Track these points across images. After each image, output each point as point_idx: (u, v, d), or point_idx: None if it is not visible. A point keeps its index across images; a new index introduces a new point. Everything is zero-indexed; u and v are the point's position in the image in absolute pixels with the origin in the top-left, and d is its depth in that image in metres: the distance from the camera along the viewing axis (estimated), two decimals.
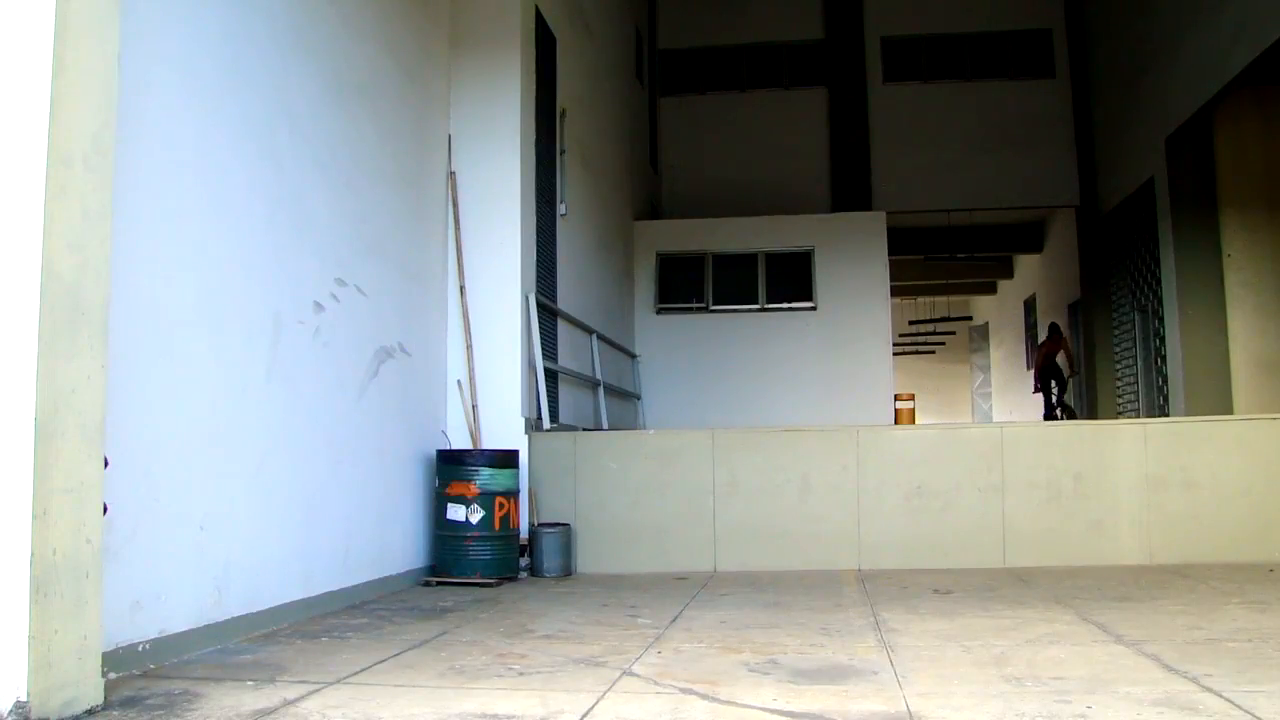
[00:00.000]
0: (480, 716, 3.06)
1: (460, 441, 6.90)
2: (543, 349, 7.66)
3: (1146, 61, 12.26)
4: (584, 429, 8.59)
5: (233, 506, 4.44)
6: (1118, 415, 13.91)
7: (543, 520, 7.01)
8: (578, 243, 9.53)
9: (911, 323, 24.13)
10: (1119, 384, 14.33)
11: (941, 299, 23.33)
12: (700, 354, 12.98)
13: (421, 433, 6.63)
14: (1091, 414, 14.83)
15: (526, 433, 7.12)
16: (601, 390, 10.00)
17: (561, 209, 8.83)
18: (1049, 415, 15.34)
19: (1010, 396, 23.34)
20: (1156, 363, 12.46)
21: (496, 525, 6.39)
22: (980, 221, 17.79)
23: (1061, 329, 15.92)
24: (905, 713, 3.03)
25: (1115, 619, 4.65)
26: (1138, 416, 12.68)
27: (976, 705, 3.10)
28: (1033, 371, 16.47)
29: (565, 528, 6.95)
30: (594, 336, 9.97)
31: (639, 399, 12.61)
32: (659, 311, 13.21)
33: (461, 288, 7.14)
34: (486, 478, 6.42)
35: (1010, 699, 3.16)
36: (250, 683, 3.54)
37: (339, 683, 3.55)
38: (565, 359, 8.71)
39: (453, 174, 7.26)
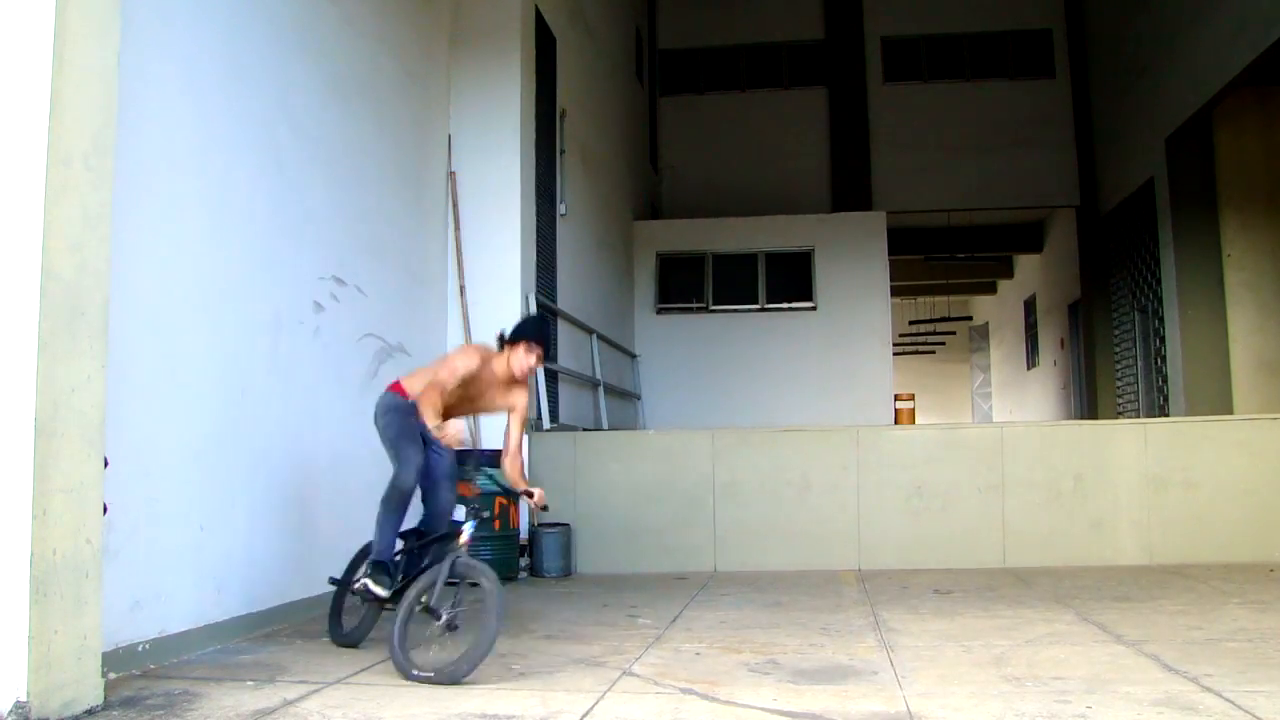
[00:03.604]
0: (480, 716, 3.06)
1: None
2: None
3: (1146, 61, 12.26)
4: (584, 429, 8.58)
5: (233, 506, 4.44)
6: (1118, 415, 13.90)
7: (543, 520, 7.00)
8: (578, 243, 9.53)
9: (911, 323, 24.10)
10: (1119, 384, 14.32)
11: (941, 299, 23.30)
12: (700, 354, 12.97)
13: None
14: (1091, 414, 14.82)
15: (526, 433, 7.11)
16: (601, 390, 10.00)
17: (561, 209, 8.83)
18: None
19: (1010, 396, 23.33)
20: (1156, 363, 12.45)
21: (496, 525, 6.39)
22: (980, 221, 17.77)
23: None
24: (905, 713, 3.03)
25: (1115, 619, 4.64)
26: (1138, 416, 12.68)
27: (976, 705, 3.10)
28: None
29: (565, 528, 6.94)
30: (594, 336, 9.97)
31: (639, 399, 12.61)
32: (659, 311, 13.20)
33: (461, 288, 7.14)
34: (486, 478, 6.41)
35: (1010, 699, 3.16)
36: (250, 683, 3.53)
37: (339, 683, 3.55)
38: (565, 359, 8.71)
39: (453, 174, 7.25)
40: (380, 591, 3.99)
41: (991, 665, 3.70)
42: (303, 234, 5.15)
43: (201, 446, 4.23)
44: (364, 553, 4.34)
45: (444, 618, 3.66)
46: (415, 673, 3.53)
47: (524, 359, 4.16)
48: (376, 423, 4.25)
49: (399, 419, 4.16)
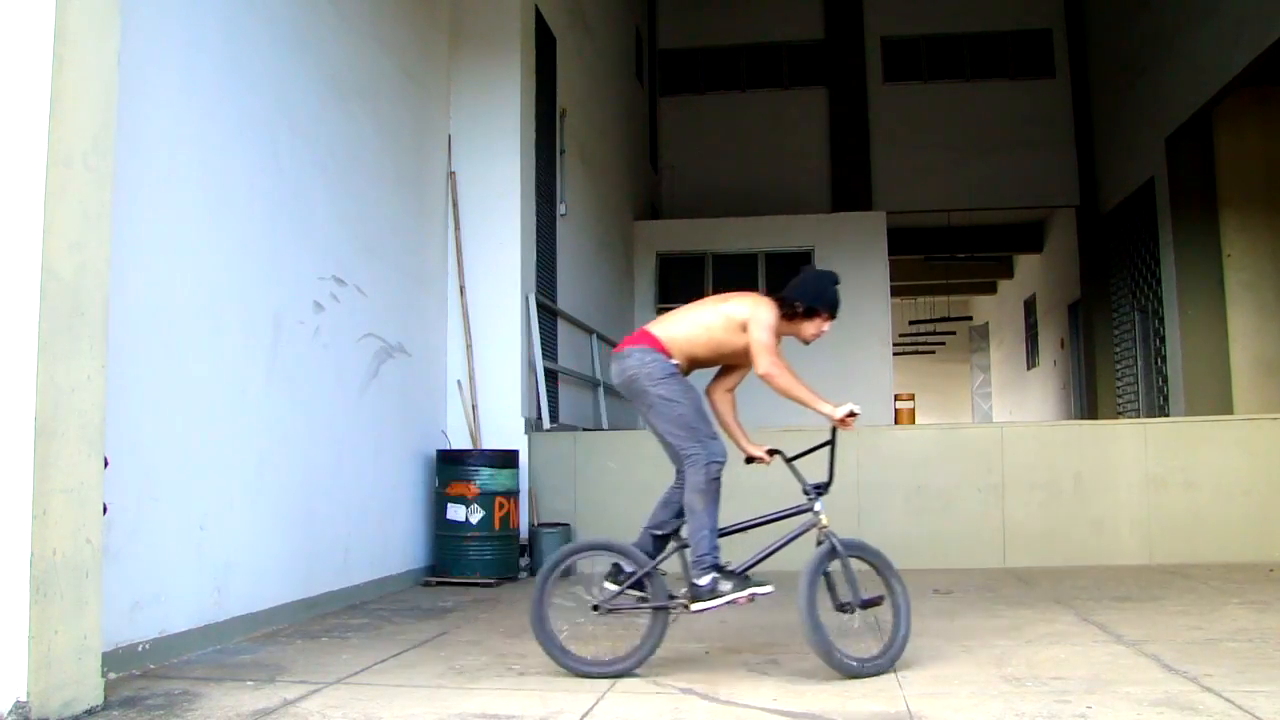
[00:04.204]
0: (480, 716, 3.06)
1: (460, 441, 6.90)
2: (542, 349, 7.66)
3: (1146, 61, 12.26)
4: (584, 429, 8.58)
5: (233, 506, 4.44)
6: (1118, 415, 13.90)
7: (543, 520, 7.00)
8: (578, 243, 9.53)
9: (911, 323, 24.10)
10: (1119, 384, 14.32)
11: (941, 299, 23.29)
12: None
13: (421, 433, 6.62)
14: (1091, 414, 14.82)
15: (526, 433, 7.12)
16: (601, 390, 10.00)
17: (561, 209, 8.83)
18: None
19: (1010, 396, 23.34)
20: (1156, 363, 12.45)
21: (496, 525, 6.39)
22: (980, 221, 17.77)
23: None
24: (905, 713, 3.03)
25: (1115, 619, 4.64)
26: (1138, 416, 12.68)
27: (976, 705, 3.10)
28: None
29: (565, 528, 6.94)
30: (594, 336, 9.97)
31: None
32: (659, 311, 13.18)
33: (461, 288, 7.14)
34: (486, 478, 6.41)
35: (1010, 699, 3.16)
36: (250, 683, 3.53)
37: (339, 683, 3.55)
38: (565, 359, 8.71)
39: (453, 174, 7.25)
40: (765, 589, 3.64)
41: (991, 665, 3.70)
42: (302, 234, 5.15)
43: (201, 447, 4.23)
44: (566, 566, 3.77)
45: (855, 611, 3.60)
46: (861, 664, 3.48)
47: (820, 328, 3.84)
48: (647, 388, 3.54)
49: (684, 390, 3.59)
